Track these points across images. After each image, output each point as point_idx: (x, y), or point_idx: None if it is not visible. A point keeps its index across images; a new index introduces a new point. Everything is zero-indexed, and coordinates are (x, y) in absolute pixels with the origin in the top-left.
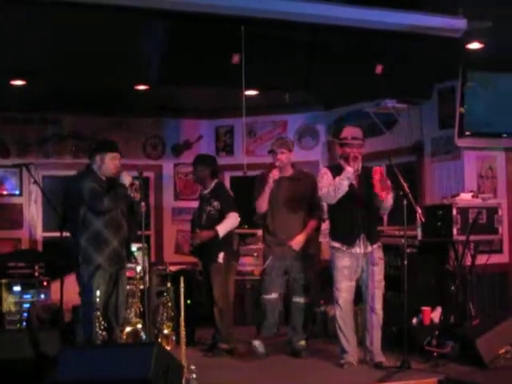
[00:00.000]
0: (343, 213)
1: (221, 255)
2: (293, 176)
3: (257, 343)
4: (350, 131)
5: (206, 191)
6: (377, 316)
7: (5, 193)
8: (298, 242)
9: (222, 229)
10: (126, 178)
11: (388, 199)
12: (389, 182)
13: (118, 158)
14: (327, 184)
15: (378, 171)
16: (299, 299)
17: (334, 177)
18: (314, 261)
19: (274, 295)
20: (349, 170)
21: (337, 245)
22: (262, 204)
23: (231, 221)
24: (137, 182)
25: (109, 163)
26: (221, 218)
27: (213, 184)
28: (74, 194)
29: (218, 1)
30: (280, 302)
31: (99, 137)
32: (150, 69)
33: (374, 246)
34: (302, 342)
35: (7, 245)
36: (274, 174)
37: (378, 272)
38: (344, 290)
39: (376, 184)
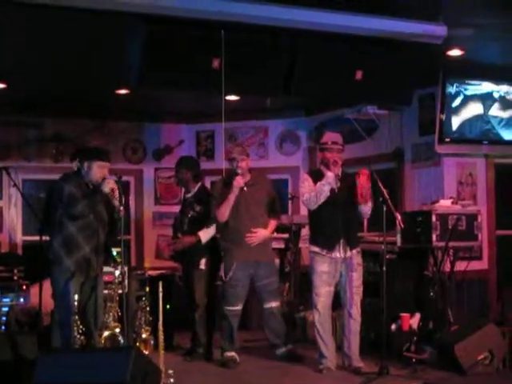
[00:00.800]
0: (323, 217)
1: (203, 261)
2: (252, 181)
3: (233, 354)
4: (329, 136)
5: (189, 195)
6: (355, 321)
7: None
8: (260, 234)
9: (205, 234)
10: (107, 186)
11: (367, 205)
12: (369, 189)
13: (107, 167)
14: (308, 190)
15: (366, 174)
16: (271, 304)
17: (315, 182)
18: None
19: (239, 307)
20: (329, 175)
21: (316, 249)
22: (225, 212)
23: (214, 226)
24: (116, 189)
25: (96, 171)
26: (203, 222)
27: (196, 188)
28: (56, 194)
29: (197, 5)
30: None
31: (80, 140)
32: (130, 73)
33: (354, 251)
34: (284, 347)
35: None
36: (239, 182)
37: (357, 278)
38: (323, 294)
39: (360, 187)
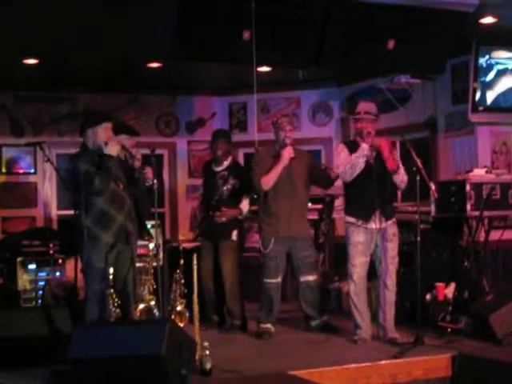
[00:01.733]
0: (358, 188)
1: (234, 233)
2: (295, 155)
3: (268, 326)
4: (363, 106)
5: (221, 168)
6: (390, 292)
7: (20, 171)
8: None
9: (246, 207)
10: (113, 149)
11: (400, 172)
12: (397, 155)
13: (110, 128)
14: (344, 162)
15: (386, 144)
16: (308, 277)
17: (351, 153)
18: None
19: (279, 279)
20: (364, 147)
21: (351, 220)
22: (271, 182)
23: (250, 199)
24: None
25: (102, 134)
26: (240, 195)
27: (228, 161)
28: (75, 175)
29: None
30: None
31: (113, 114)
32: (162, 46)
33: (389, 221)
34: (319, 319)
35: (22, 223)
36: (290, 153)
37: (392, 248)
38: (358, 265)
39: (385, 157)
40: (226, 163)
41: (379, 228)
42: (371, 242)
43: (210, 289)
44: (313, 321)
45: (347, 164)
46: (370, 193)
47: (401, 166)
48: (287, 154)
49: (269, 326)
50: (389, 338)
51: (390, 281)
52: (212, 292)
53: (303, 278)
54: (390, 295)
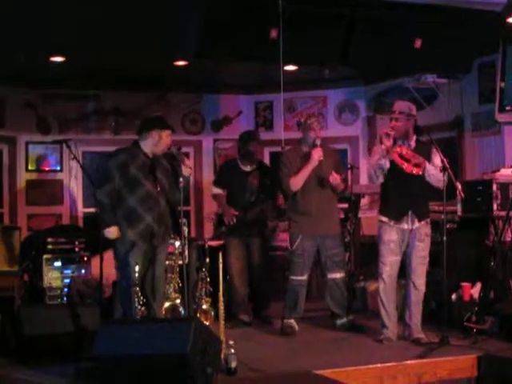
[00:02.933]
0: (392, 188)
1: (266, 230)
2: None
3: (292, 321)
4: (396, 105)
5: (249, 168)
6: (418, 292)
7: (47, 169)
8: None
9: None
10: (186, 170)
11: (426, 171)
12: (417, 158)
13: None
14: (372, 165)
15: (397, 151)
16: (336, 275)
17: None
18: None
19: (305, 277)
20: (377, 149)
21: (384, 219)
22: (300, 182)
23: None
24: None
25: (166, 140)
26: (270, 193)
27: (256, 160)
28: (112, 166)
29: None
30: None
31: (140, 112)
32: (189, 44)
33: (422, 222)
34: (346, 318)
35: (48, 220)
36: (319, 154)
37: (423, 248)
38: (389, 263)
39: (400, 162)
40: (255, 163)
41: (411, 228)
42: (403, 241)
43: (241, 286)
44: (339, 319)
45: (371, 168)
46: (403, 193)
47: (427, 167)
48: (317, 155)
49: (292, 321)
50: (414, 338)
51: (419, 281)
52: (242, 290)
53: (330, 276)
54: (418, 295)
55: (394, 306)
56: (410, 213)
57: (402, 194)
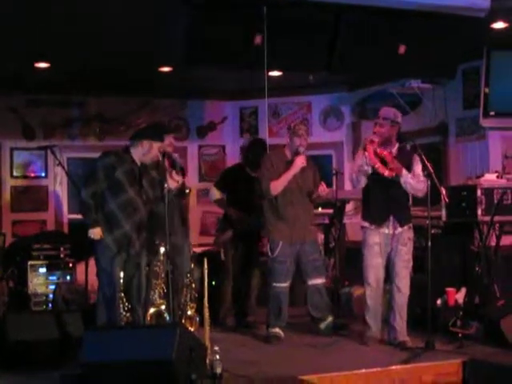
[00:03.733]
0: (373, 193)
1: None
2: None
3: (277, 330)
4: (382, 112)
5: (255, 174)
6: (402, 295)
7: (32, 175)
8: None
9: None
10: (172, 183)
11: (403, 175)
12: (394, 164)
13: (161, 147)
14: (354, 170)
15: (371, 150)
16: (317, 280)
17: None
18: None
19: (287, 283)
20: (359, 154)
21: (366, 224)
22: (280, 187)
23: None
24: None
25: (155, 152)
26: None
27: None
28: (97, 169)
29: None
30: None
31: (124, 119)
32: (173, 50)
33: (405, 227)
34: (329, 319)
35: (33, 227)
36: (302, 162)
37: (406, 252)
38: (374, 265)
39: (379, 167)
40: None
41: (393, 233)
42: (386, 245)
43: (230, 292)
44: (321, 323)
45: (354, 173)
46: (383, 198)
47: (403, 173)
48: (299, 162)
49: (277, 330)
50: (399, 342)
51: (403, 284)
52: (231, 295)
53: (311, 282)
54: (402, 298)
55: (379, 310)
56: (391, 218)
57: (382, 199)
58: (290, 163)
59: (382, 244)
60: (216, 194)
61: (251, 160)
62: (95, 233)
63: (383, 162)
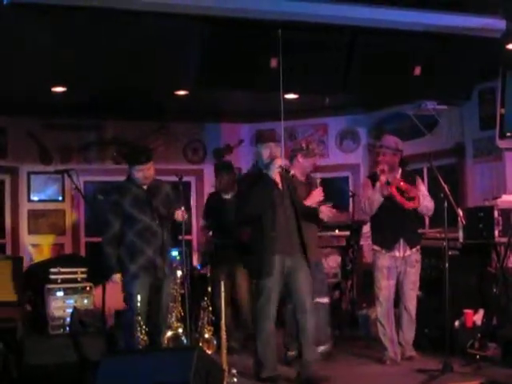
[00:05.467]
0: (382, 218)
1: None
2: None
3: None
4: (384, 140)
5: (229, 196)
6: (409, 314)
7: (49, 199)
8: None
9: None
10: (180, 216)
11: (422, 206)
12: (412, 191)
13: (147, 169)
14: (365, 197)
15: (395, 183)
16: (321, 299)
17: (374, 186)
18: None
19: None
20: (377, 186)
21: (376, 248)
22: None
23: None
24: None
25: (138, 175)
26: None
27: (235, 189)
28: (117, 205)
29: (255, 5)
30: None
31: (140, 142)
32: (189, 74)
33: (413, 249)
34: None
35: (51, 250)
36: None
37: (414, 273)
38: (384, 287)
39: (400, 200)
40: (233, 192)
41: (403, 256)
42: (395, 267)
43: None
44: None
45: (366, 200)
46: (393, 223)
47: (421, 200)
48: (317, 196)
49: (325, 346)
50: (407, 356)
51: (410, 304)
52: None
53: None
54: (409, 317)
55: (393, 328)
56: (401, 241)
57: (392, 223)
58: (304, 185)
59: (391, 266)
60: (201, 221)
61: (222, 184)
62: (115, 278)
63: (402, 192)
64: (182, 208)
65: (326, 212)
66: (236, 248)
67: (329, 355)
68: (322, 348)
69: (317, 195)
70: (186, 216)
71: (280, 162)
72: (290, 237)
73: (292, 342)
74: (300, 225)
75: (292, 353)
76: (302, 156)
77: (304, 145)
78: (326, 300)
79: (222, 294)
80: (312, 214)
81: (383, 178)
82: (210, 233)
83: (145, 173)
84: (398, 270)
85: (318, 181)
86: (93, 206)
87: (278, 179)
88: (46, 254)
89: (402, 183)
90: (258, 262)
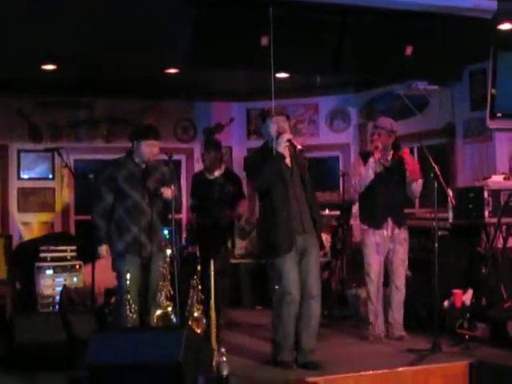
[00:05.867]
0: (370, 197)
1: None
2: None
3: None
4: (379, 121)
5: (215, 175)
6: (400, 292)
7: (39, 177)
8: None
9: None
10: (169, 194)
11: (418, 182)
12: (417, 165)
13: (156, 145)
14: (356, 174)
15: (407, 151)
16: None
17: (365, 164)
18: None
19: None
20: (370, 162)
21: (365, 227)
22: None
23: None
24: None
25: (144, 150)
26: (235, 201)
27: (223, 168)
28: (112, 180)
29: None
30: None
31: (131, 120)
32: (179, 51)
33: (401, 228)
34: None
35: (40, 228)
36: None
37: (403, 251)
38: (374, 262)
39: (409, 166)
40: (220, 171)
41: (391, 234)
42: (384, 245)
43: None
44: None
45: (357, 177)
46: (382, 202)
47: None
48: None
49: None
50: (397, 336)
51: (400, 282)
52: None
53: None
54: (399, 295)
55: (381, 306)
56: (389, 220)
57: (380, 202)
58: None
59: (380, 242)
60: (190, 200)
61: (206, 163)
62: (102, 250)
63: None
64: (172, 186)
65: None
66: (215, 228)
67: (320, 336)
68: None
69: None
70: (175, 193)
71: (288, 136)
72: (300, 214)
73: None
74: (311, 203)
75: None
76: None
77: (292, 124)
78: None
79: (212, 273)
80: None
81: (377, 155)
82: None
83: (152, 149)
84: (387, 247)
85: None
86: (83, 185)
87: (286, 155)
88: (35, 232)
89: (406, 155)
90: (274, 240)
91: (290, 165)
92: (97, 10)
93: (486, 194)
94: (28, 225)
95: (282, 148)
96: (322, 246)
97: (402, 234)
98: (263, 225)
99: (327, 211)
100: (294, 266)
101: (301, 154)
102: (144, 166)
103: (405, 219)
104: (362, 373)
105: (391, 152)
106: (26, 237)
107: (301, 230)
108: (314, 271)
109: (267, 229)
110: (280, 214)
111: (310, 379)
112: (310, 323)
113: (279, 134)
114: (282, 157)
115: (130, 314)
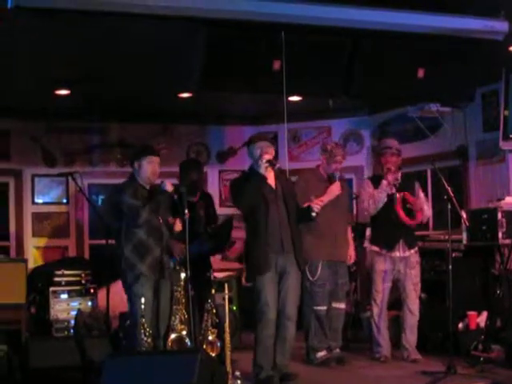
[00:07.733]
0: (383, 219)
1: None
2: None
3: (325, 353)
4: (386, 142)
5: (193, 198)
6: (413, 316)
7: (53, 201)
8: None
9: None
10: (168, 186)
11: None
12: (420, 200)
13: (156, 162)
14: (368, 197)
15: (400, 198)
16: (341, 305)
17: (376, 187)
18: None
19: (326, 306)
20: (383, 184)
21: (376, 249)
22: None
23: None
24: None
25: (147, 167)
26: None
27: (200, 190)
28: (116, 205)
29: (257, 8)
30: None
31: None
32: (192, 76)
33: (412, 250)
34: (338, 350)
35: (55, 253)
36: (338, 189)
37: (415, 275)
38: (381, 291)
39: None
40: (198, 193)
41: (402, 256)
42: (394, 269)
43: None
44: (331, 351)
45: (370, 199)
46: (394, 223)
47: (425, 213)
48: (336, 190)
49: (325, 353)
50: (412, 359)
51: (413, 306)
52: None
53: (336, 305)
54: (413, 319)
55: (386, 328)
56: (401, 241)
57: (393, 224)
58: (327, 182)
59: (389, 269)
60: None
61: (188, 182)
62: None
63: (406, 204)
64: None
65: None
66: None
67: (340, 360)
68: (334, 352)
69: (335, 189)
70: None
71: (268, 156)
72: (281, 235)
73: (320, 342)
74: (292, 224)
75: (322, 353)
76: (325, 159)
77: (329, 148)
78: (342, 306)
79: (226, 297)
80: (304, 213)
81: (390, 177)
82: None
83: (154, 166)
84: (398, 271)
85: (338, 175)
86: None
87: (269, 176)
88: (50, 256)
89: (408, 196)
90: (254, 259)
91: (274, 186)
92: (110, 34)
93: (499, 216)
94: (42, 249)
95: (263, 169)
96: (299, 266)
97: (414, 257)
98: (246, 246)
99: None
100: (272, 286)
101: (285, 177)
102: (148, 188)
103: (416, 240)
104: None
105: (400, 173)
106: (41, 261)
107: (280, 250)
108: (292, 293)
109: (249, 249)
110: (260, 235)
111: None
112: (285, 343)
113: (260, 155)
114: (264, 178)
115: (145, 338)
